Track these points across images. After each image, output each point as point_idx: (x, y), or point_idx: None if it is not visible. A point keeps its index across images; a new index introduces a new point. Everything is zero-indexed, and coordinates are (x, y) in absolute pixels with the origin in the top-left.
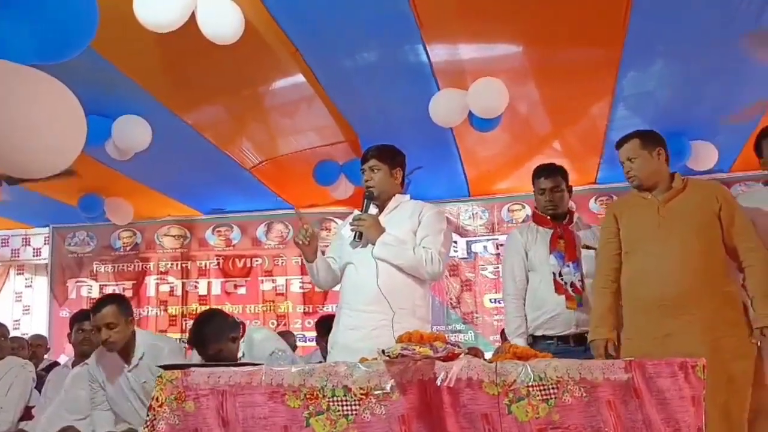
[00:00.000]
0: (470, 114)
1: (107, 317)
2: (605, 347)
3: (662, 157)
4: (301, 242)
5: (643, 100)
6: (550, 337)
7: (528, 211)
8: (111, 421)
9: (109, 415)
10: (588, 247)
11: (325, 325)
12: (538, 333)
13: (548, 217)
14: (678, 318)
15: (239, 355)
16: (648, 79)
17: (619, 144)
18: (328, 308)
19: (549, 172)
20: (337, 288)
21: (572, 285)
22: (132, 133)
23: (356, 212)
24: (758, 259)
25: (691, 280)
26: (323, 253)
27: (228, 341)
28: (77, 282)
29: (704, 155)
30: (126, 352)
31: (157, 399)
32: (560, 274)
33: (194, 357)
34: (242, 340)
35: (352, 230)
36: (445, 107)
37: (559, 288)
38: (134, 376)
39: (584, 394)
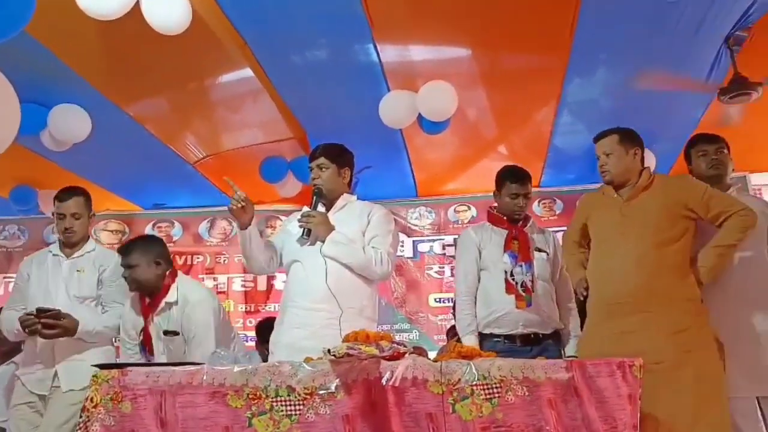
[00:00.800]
0: (420, 116)
1: (74, 207)
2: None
3: (638, 157)
4: (234, 207)
5: (586, 107)
6: (497, 336)
7: (474, 212)
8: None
9: (15, 315)
10: (540, 250)
11: (266, 330)
12: (486, 331)
13: (505, 218)
14: (636, 315)
15: (172, 300)
16: (592, 86)
17: (598, 138)
18: (271, 307)
19: (523, 178)
20: (279, 286)
21: (523, 285)
22: (69, 123)
23: (305, 209)
24: (729, 221)
25: (648, 278)
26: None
27: (152, 263)
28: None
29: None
30: (73, 247)
31: (91, 399)
32: (512, 274)
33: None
34: (175, 285)
35: (300, 227)
36: (395, 108)
37: (510, 288)
38: (71, 263)
39: (527, 393)
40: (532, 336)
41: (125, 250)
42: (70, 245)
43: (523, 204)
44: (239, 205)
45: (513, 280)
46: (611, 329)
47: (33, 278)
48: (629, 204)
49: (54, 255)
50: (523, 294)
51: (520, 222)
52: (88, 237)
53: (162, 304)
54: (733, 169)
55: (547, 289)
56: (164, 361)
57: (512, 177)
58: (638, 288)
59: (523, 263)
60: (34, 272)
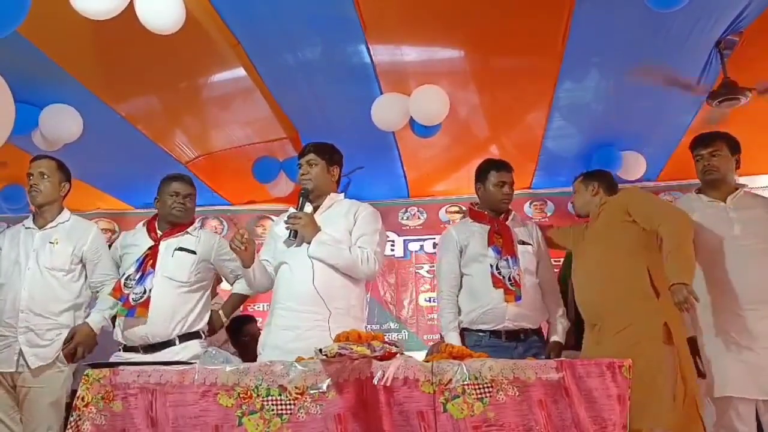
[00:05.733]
0: (411, 120)
1: (43, 166)
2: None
3: (595, 190)
4: (237, 248)
5: (578, 111)
6: (483, 331)
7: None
8: None
9: None
10: (524, 243)
11: (236, 330)
12: (472, 327)
13: (486, 213)
14: (602, 329)
15: (194, 232)
16: (583, 90)
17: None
18: (259, 307)
19: (506, 165)
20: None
21: (510, 278)
22: (61, 122)
23: (291, 210)
24: (666, 231)
25: (598, 290)
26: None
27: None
28: None
29: (633, 165)
30: (46, 217)
31: (82, 398)
32: (497, 268)
33: None
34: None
35: (287, 228)
36: (387, 112)
37: (497, 282)
38: (43, 234)
39: (517, 393)
40: (519, 331)
41: (187, 179)
42: (41, 214)
43: (509, 191)
44: (242, 246)
45: (499, 274)
46: (589, 340)
47: (4, 251)
48: (590, 229)
49: (27, 228)
50: (512, 288)
51: (502, 215)
52: (63, 208)
53: (183, 232)
54: (737, 168)
55: (534, 283)
56: (165, 275)
57: (496, 166)
58: (600, 303)
59: (508, 257)
60: (6, 245)
